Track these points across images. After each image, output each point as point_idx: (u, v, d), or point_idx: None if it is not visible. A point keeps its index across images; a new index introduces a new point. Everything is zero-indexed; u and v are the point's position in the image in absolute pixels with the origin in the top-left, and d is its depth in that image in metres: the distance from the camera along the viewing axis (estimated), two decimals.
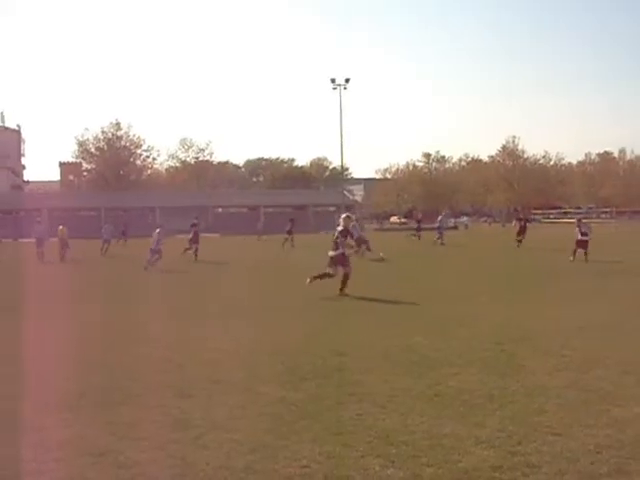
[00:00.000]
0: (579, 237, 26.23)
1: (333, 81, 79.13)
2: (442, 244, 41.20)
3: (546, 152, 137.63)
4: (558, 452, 5.49)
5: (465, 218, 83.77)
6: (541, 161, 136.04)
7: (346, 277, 16.46)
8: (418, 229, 49.18)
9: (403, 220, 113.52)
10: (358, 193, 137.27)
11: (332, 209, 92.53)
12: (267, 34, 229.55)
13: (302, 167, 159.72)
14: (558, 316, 12.71)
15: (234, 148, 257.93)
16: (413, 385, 7.70)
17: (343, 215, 18.16)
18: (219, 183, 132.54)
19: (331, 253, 16.77)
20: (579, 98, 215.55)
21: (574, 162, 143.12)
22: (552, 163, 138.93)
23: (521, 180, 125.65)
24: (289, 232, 44.02)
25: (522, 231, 36.09)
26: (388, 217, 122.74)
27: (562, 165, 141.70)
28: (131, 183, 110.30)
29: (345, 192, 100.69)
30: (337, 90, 79.28)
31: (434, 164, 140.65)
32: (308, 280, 16.58)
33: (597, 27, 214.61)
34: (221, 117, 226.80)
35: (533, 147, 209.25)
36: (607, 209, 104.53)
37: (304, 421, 6.39)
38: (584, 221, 27.84)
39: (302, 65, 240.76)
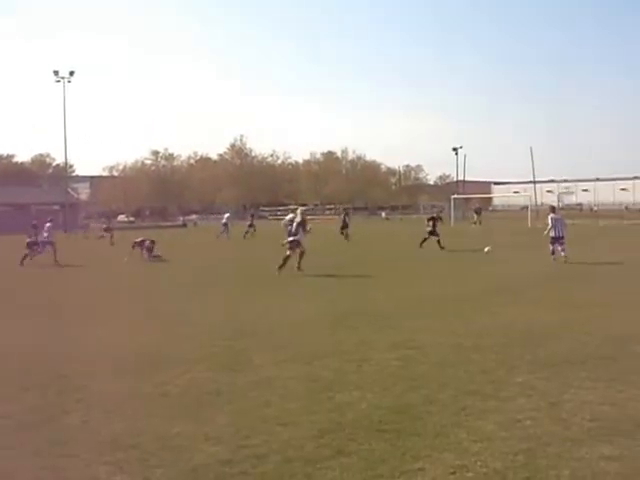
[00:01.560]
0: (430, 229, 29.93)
1: (56, 73, 75.22)
2: (228, 239, 43.48)
3: (274, 151, 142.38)
4: (285, 441, 5.67)
5: (194, 216, 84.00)
6: (269, 159, 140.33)
7: (302, 255, 20.71)
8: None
9: (131, 219, 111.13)
10: (84, 191, 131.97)
11: (56, 207, 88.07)
12: None
13: (22, 163, 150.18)
14: (286, 310, 13.16)
15: None
16: (141, 386, 7.54)
17: (302, 209, 23.37)
18: None
19: (290, 238, 20.82)
20: (300, 98, 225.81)
21: (300, 161, 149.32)
22: (280, 162, 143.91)
23: (249, 178, 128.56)
24: (107, 229, 44.57)
25: (345, 225, 39.84)
26: (115, 216, 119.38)
27: (289, 164, 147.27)
28: None
29: (70, 190, 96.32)
30: (61, 83, 75.52)
31: (162, 162, 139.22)
32: (277, 271, 19.70)
33: (323, 31, 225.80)
34: None
35: (261, 146, 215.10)
36: (331, 206, 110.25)
37: (23, 434, 5.98)
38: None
39: (22, 55, 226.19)
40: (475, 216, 60.11)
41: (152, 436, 5.85)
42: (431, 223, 29.99)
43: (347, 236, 38.54)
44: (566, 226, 23.89)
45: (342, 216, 42.17)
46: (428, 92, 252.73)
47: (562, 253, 22.63)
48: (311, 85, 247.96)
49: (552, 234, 23.17)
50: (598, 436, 5.63)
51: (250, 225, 46.02)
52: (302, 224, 21.40)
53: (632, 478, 4.82)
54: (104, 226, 46.28)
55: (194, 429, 6.00)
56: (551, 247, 23.15)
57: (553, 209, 25.00)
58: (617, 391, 6.92)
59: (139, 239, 28.26)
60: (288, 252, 20.64)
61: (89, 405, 6.85)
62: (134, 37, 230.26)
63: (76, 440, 5.80)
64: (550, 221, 23.62)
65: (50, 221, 28.28)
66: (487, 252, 25.96)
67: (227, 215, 48.43)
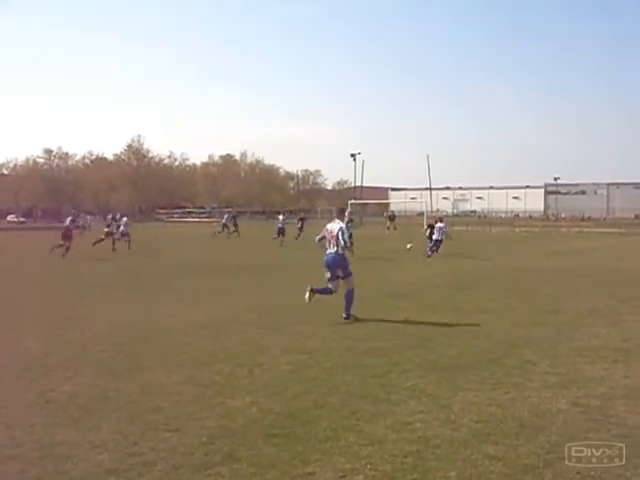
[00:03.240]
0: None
1: None
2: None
3: (171, 152, 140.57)
4: (173, 447, 5.56)
5: (88, 217, 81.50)
6: (166, 161, 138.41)
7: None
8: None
9: (22, 219, 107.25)
10: None
11: None
12: None
13: None
14: (178, 314, 12.89)
15: None
16: (23, 393, 7.22)
17: (348, 211, 26.83)
18: None
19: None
20: (200, 99, 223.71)
21: (198, 163, 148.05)
22: (177, 163, 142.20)
23: (146, 179, 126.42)
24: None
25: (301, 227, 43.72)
26: (5, 216, 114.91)
27: (187, 166, 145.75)
28: None
29: None
30: None
31: (56, 161, 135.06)
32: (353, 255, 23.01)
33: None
34: None
35: (159, 147, 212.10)
36: (229, 209, 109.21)
37: None
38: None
39: None
40: (389, 222, 62.01)
41: (34, 445, 5.61)
42: (428, 230, 31.14)
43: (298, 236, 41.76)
44: (446, 233, 29.60)
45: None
46: (328, 99, 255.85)
47: (435, 251, 28.79)
48: (209, 88, 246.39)
49: (435, 237, 29.12)
50: (484, 437, 5.77)
51: (234, 225, 48.07)
52: (350, 221, 26.94)
53: (515, 477, 4.96)
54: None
55: (79, 437, 5.79)
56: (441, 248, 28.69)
57: (441, 219, 30.76)
58: (503, 393, 7.12)
59: None
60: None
61: None
62: (33, 25, 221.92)
63: None
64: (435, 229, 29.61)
65: (125, 216, 37.00)
66: (409, 249, 30.48)
67: (226, 216, 50.22)
